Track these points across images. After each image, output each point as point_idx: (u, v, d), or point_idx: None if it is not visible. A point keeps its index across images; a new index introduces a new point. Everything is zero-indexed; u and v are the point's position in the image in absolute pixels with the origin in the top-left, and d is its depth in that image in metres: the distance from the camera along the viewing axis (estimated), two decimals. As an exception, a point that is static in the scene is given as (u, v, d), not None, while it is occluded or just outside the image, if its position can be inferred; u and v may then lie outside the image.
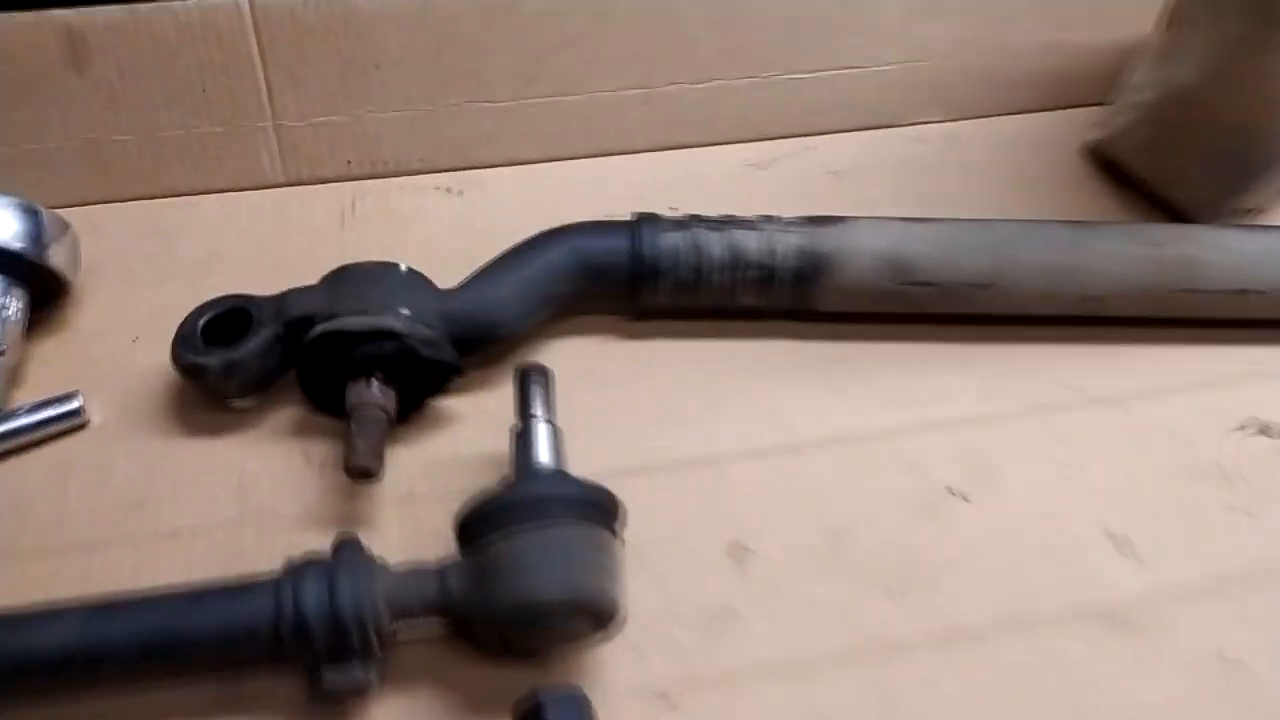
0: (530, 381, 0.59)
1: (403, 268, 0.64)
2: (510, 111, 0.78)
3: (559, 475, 0.55)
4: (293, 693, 0.54)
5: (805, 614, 0.59)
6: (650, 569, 0.59)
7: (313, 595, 0.50)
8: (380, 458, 0.59)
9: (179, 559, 0.58)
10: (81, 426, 0.63)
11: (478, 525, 0.52)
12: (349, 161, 0.78)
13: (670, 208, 0.71)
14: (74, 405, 0.64)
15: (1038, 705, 0.57)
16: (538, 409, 0.58)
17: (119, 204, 0.78)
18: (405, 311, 0.62)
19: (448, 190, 0.79)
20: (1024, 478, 0.66)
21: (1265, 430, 0.68)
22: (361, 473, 0.58)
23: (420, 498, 0.61)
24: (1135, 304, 0.70)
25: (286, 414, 0.65)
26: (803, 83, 0.82)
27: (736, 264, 0.67)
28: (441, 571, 0.52)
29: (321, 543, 0.53)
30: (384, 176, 0.80)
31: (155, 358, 0.64)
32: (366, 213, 0.78)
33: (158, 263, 0.73)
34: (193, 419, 0.64)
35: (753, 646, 0.58)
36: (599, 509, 0.53)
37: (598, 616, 0.52)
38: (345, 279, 0.63)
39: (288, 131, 0.77)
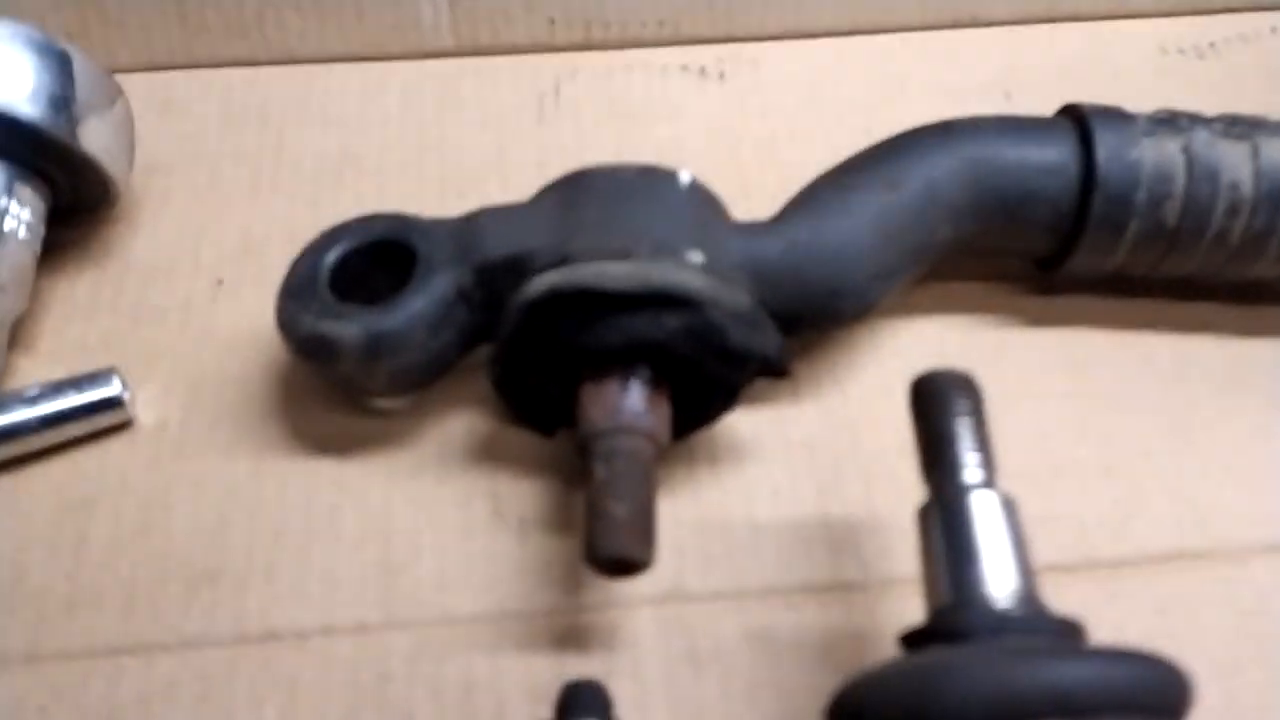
0: (953, 410, 0.30)
1: (684, 178, 0.36)
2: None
3: (1070, 631, 0.27)
4: None
5: None
6: None
7: None
8: (652, 536, 0.32)
9: (269, 682, 0.35)
10: (122, 426, 0.38)
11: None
12: (552, 21, 0.51)
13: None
14: (111, 392, 0.38)
15: None
16: (972, 462, 0.30)
17: (204, 70, 0.52)
18: (697, 258, 0.33)
19: (702, 71, 0.52)
20: None
21: None
22: (620, 565, 0.31)
23: (696, 597, 0.35)
24: None
25: (461, 424, 0.40)
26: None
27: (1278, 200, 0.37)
28: None
29: (523, 673, 0.34)
30: (604, 48, 0.55)
31: (249, 317, 0.40)
32: (576, 100, 0.51)
33: (259, 163, 0.47)
34: (305, 424, 0.40)
35: None
36: (1169, 713, 0.24)
37: None
38: (587, 195, 0.36)
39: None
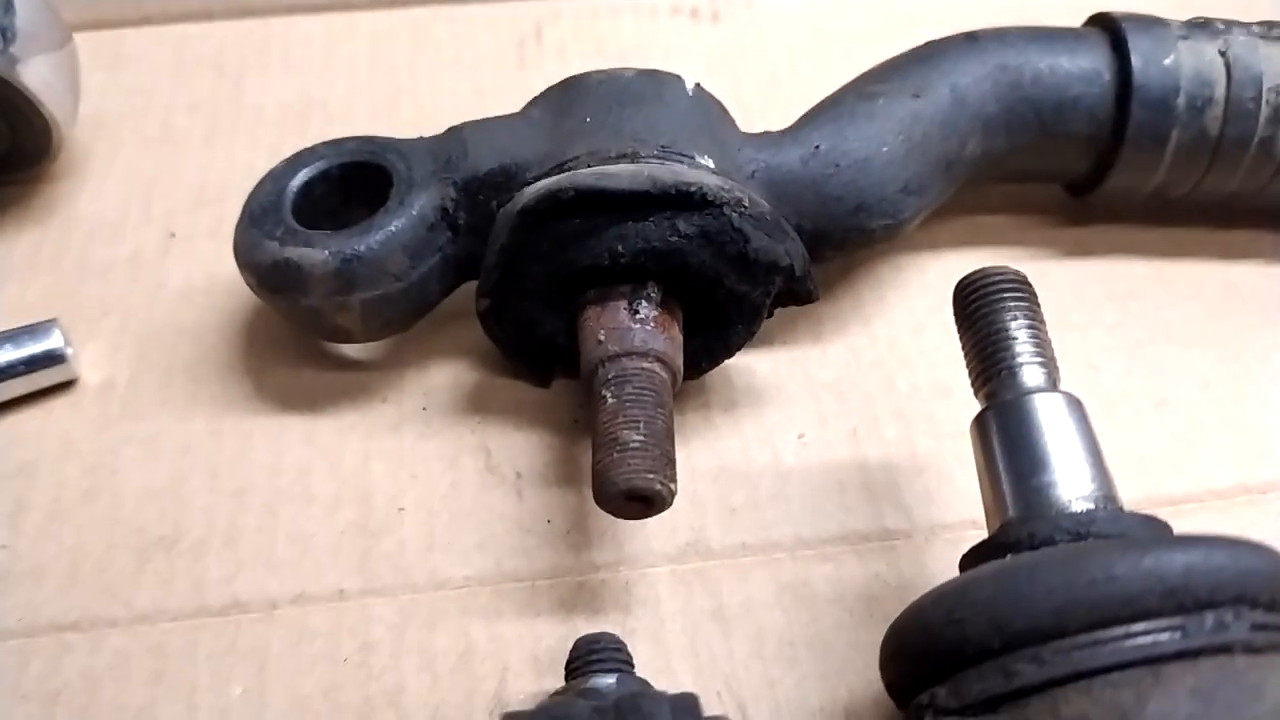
0: (1006, 308, 0.28)
1: (689, 83, 0.34)
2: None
3: (1154, 526, 0.24)
4: None
5: None
6: None
7: None
8: (672, 467, 0.28)
9: (235, 656, 0.31)
10: (65, 385, 0.34)
11: (997, 660, 0.21)
12: None
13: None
14: (51, 345, 0.35)
15: None
16: (1029, 368, 0.27)
17: (155, 26, 0.49)
18: (708, 163, 0.31)
19: (694, 12, 0.49)
20: None
21: None
22: (640, 500, 0.27)
23: (717, 551, 0.33)
24: None
25: (447, 376, 0.37)
26: None
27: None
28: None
29: (524, 641, 0.31)
30: None
31: (204, 267, 0.37)
32: (560, 43, 0.49)
33: (215, 112, 0.44)
34: (269, 380, 0.37)
35: None
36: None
37: None
38: (581, 100, 0.33)
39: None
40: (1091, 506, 0.25)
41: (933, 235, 0.40)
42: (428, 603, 0.32)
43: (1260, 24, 0.38)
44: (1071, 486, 0.25)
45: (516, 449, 0.35)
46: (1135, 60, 0.36)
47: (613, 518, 0.29)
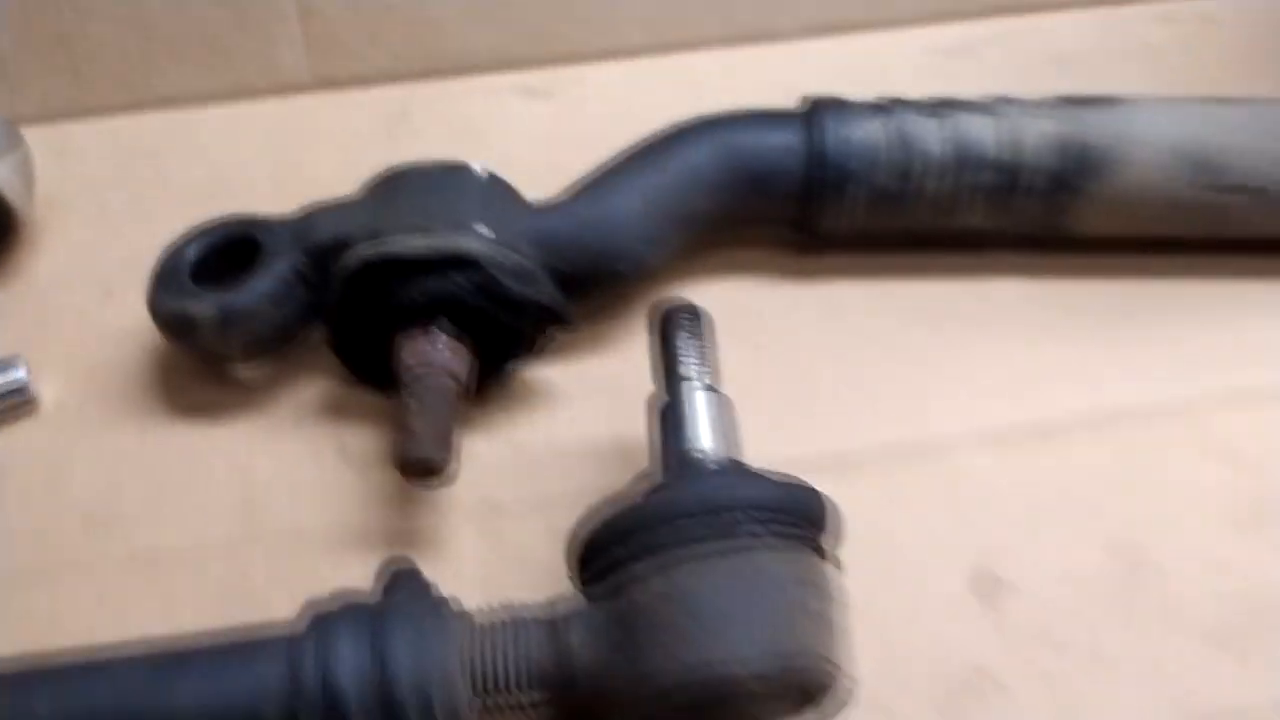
0: (678, 328, 0.41)
1: (479, 169, 0.47)
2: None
3: (735, 468, 0.37)
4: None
5: (1098, 681, 0.41)
6: (865, 614, 0.40)
7: (350, 662, 0.33)
8: (449, 445, 0.42)
9: (156, 598, 0.44)
10: (27, 408, 0.47)
11: (613, 550, 0.34)
12: (397, 55, 0.61)
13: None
14: (16, 376, 0.48)
15: None
16: (691, 369, 0.40)
17: (94, 118, 0.62)
18: (485, 231, 0.44)
19: (531, 91, 0.62)
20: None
21: None
22: (423, 468, 0.41)
23: (507, 508, 0.47)
24: None
25: (312, 389, 0.51)
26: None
27: (964, 164, 0.49)
28: (554, 624, 0.35)
29: (363, 574, 0.40)
30: (445, 75, 0.65)
31: (134, 318, 0.50)
32: (423, 123, 0.62)
33: (142, 193, 0.59)
34: (181, 399, 0.51)
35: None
36: (805, 520, 0.35)
37: (807, 692, 0.34)
38: (396, 187, 0.46)
39: (317, 17, 0.61)
40: (715, 467, 0.38)
41: (694, 268, 0.54)
42: (291, 546, 0.45)
43: (931, 101, 0.52)
44: (705, 448, 0.38)
45: (365, 441, 0.48)
46: (819, 134, 0.50)
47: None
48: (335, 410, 0.49)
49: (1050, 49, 0.66)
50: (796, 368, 0.51)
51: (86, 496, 0.47)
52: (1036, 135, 0.49)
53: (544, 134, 0.62)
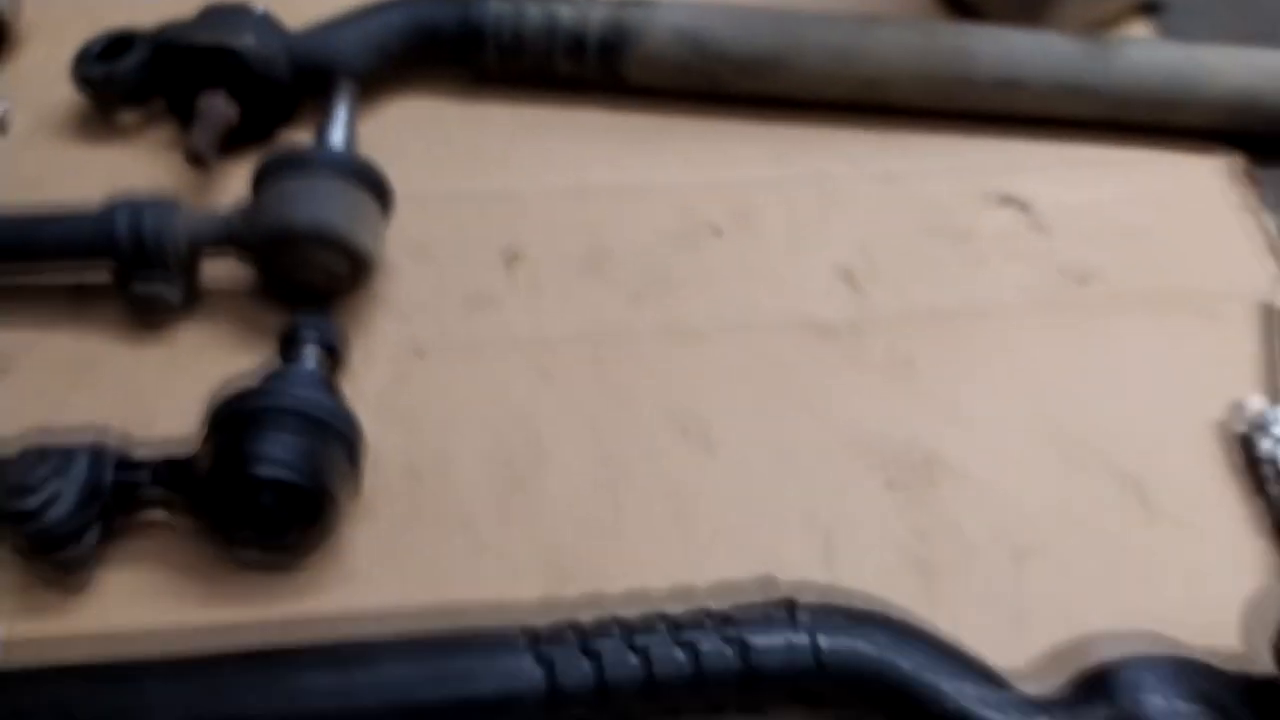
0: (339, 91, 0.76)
1: (258, 9, 0.82)
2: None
3: (344, 151, 0.72)
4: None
5: (555, 306, 0.76)
6: (430, 261, 0.76)
7: (125, 218, 0.68)
8: (215, 149, 0.77)
9: None
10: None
11: (261, 176, 0.70)
12: None
13: None
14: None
15: (742, 387, 0.72)
16: (342, 111, 0.75)
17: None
18: (251, 40, 0.80)
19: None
20: (781, 223, 0.81)
21: (1008, 201, 0.81)
22: (195, 158, 0.76)
23: None
24: (915, 91, 0.84)
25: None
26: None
27: (553, 31, 0.84)
28: (229, 213, 0.70)
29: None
30: None
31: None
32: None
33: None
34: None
35: (504, 326, 0.75)
36: (366, 179, 0.70)
37: (351, 257, 0.69)
38: (209, 14, 0.81)
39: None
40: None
41: (398, 85, 0.88)
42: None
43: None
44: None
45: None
46: (470, 7, 0.84)
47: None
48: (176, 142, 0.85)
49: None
50: (447, 149, 0.85)
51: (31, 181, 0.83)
52: (595, 17, 0.84)
53: None
